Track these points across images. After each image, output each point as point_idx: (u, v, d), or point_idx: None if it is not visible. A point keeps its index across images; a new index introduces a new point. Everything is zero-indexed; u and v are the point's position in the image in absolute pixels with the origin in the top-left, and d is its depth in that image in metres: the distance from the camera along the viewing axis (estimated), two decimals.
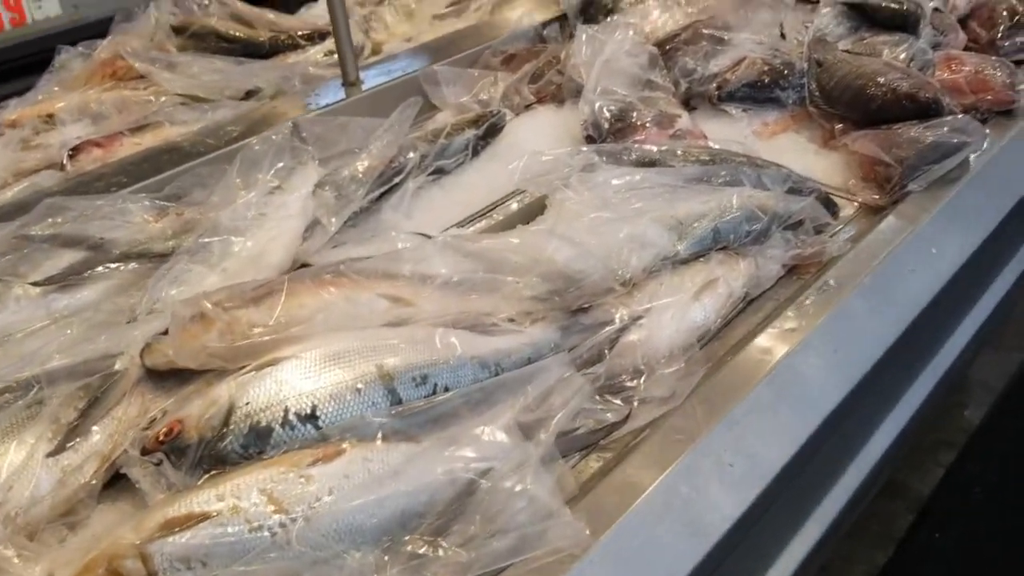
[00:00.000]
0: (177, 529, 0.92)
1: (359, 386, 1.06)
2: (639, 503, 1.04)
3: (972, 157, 1.70)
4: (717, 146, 1.76)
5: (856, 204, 1.68)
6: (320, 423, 1.04)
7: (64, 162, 1.78)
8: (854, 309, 1.37)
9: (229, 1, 2.47)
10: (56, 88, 2.25)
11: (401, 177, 1.64)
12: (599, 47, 1.93)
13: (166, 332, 1.16)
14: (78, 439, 1.10)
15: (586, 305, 1.29)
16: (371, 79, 2.05)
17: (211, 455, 1.02)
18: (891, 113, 1.74)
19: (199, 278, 1.34)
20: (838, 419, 1.25)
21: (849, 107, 1.83)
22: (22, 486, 1.05)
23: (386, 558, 0.93)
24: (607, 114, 1.78)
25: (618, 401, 1.19)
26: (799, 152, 1.86)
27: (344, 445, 1.00)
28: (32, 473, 1.07)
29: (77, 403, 1.14)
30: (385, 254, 1.26)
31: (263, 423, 1.03)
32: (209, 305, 1.10)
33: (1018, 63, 2.14)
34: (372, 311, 1.16)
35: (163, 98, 1.99)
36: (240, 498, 0.94)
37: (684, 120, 1.83)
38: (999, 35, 2.18)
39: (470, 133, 1.79)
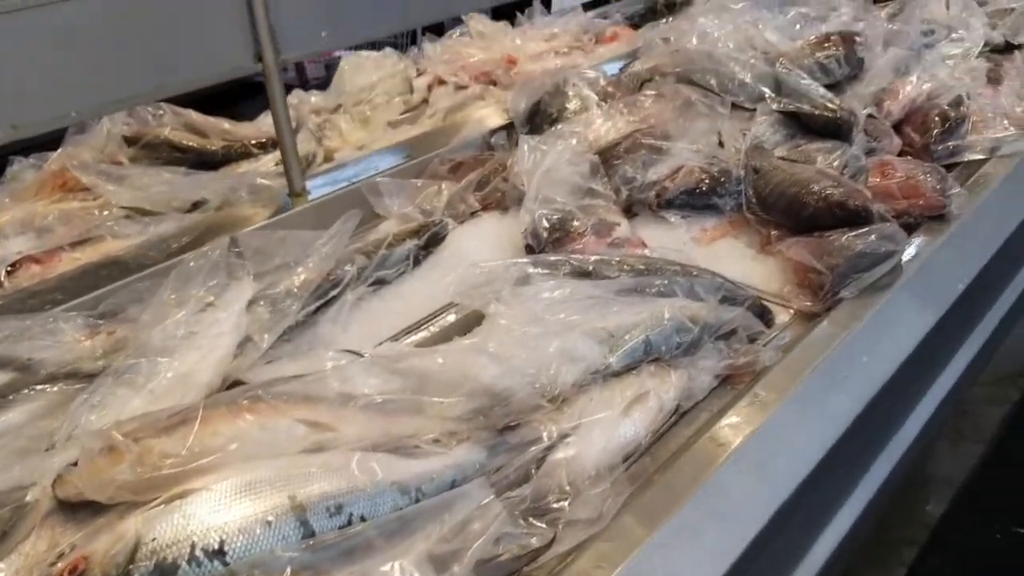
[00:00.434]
0: None
1: (269, 518, 1.04)
2: None
3: (904, 262, 1.74)
4: (656, 253, 1.79)
5: (792, 311, 1.70)
6: (228, 559, 1.01)
7: (1, 279, 1.77)
8: (784, 421, 1.37)
9: (183, 111, 2.51)
10: (7, 199, 2.25)
11: (338, 290, 1.64)
12: (541, 156, 1.97)
13: None
14: None
15: (513, 423, 1.28)
16: (318, 189, 2.07)
17: None
18: (823, 220, 1.78)
19: (122, 402, 1.32)
20: (768, 536, 1.24)
21: (784, 214, 1.87)
22: None
23: None
24: (546, 223, 1.80)
25: (543, 524, 1.17)
26: (737, 258, 1.89)
27: None
28: None
29: None
30: (308, 375, 1.25)
31: (169, 559, 1.00)
32: (119, 436, 1.08)
33: (950, 167, 2.21)
34: (290, 437, 1.14)
35: (107, 211, 1.99)
36: None
37: (623, 228, 1.85)
38: (932, 140, 2.25)
39: (411, 243, 1.81)
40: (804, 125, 2.21)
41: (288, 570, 0.99)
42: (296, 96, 2.89)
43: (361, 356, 1.39)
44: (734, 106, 2.31)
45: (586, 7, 3.83)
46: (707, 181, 1.98)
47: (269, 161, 2.36)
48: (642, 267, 1.66)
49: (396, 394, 1.25)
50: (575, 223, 1.83)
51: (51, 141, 2.33)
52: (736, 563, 1.16)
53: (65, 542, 1.11)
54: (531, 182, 1.91)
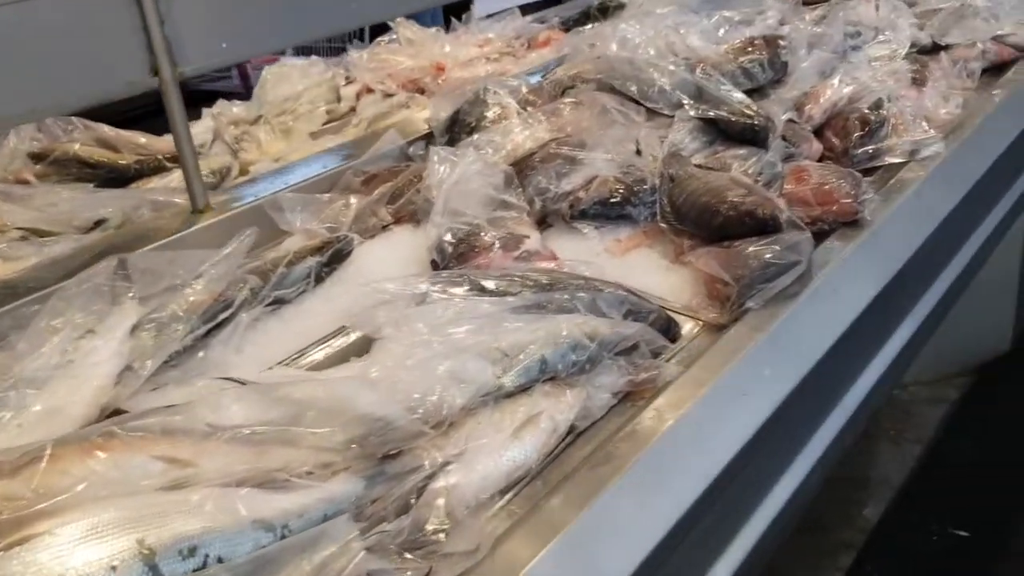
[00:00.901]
0: None
1: (114, 564, 0.98)
2: None
3: (816, 270, 1.71)
4: (567, 266, 1.75)
5: (700, 322, 1.67)
6: None
7: None
8: (679, 439, 1.34)
9: (95, 125, 2.43)
10: None
11: (230, 311, 1.58)
12: (451, 168, 1.93)
13: None
14: None
15: (395, 451, 1.24)
16: (225, 205, 2.01)
17: None
18: (733, 230, 1.75)
19: None
20: (660, 557, 1.20)
21: (696, 223, 1.84)
22: None
23: None
24: (450, 237, 1.76)
25: (417, 559, 1.13)
26: (651, 268, 1.85)
27: None
28: None
29: None
30: (177, 406, 1.20)
31: None
32: None
33: (870, 171, 2.20)
34: (145, 475, 1.08)
35: (1, 233, 1.92)
36: None
37: (532, 241, 1.81)
38: (851, 144, 2.24)
39: (312, 261, 1.75)
40: (723, 132, 2.18)
41: None
42: (218, 106, 2.83)
43: (243, 383, 1.34)
44: (655, 113, 2.28)
45: (524, 11, 3.80)
46: (621, 191, 1.95)
47: (180, 176, 2.29)
48: (546, 282, 1.62)
49: (270, 424, 1.20)
50: (483, 236, 1.79)
51: None
52: None
53: None
54: (439, 195, 1.86)
